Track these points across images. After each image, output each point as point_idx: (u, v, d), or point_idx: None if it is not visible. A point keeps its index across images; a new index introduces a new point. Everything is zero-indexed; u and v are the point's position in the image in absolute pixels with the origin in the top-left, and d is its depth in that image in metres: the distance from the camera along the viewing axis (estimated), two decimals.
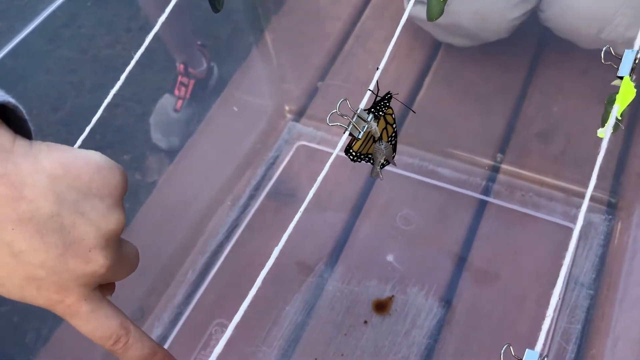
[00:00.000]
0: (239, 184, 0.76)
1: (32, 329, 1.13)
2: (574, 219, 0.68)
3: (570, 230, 0.68)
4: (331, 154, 0.79)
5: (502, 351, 0.33)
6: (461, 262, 0.67)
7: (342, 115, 0.42)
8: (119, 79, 0.42)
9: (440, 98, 0.80)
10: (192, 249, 0.72)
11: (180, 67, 1.04)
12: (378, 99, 0.44)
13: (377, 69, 0.43)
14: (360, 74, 0.84)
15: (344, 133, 0.42)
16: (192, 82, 0.98)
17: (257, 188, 0.75)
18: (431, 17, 0.46)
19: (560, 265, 0.71)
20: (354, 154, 0.45)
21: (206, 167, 0.78)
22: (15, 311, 1.23)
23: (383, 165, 0.45)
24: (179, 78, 1.00)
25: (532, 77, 0.81)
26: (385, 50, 0.91)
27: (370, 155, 0.46)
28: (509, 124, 0.77)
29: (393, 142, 0.46)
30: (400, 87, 0.81)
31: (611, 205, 0.69)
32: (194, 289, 0.69)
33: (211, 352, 0.67)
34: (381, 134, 0.45)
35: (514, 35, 0.78)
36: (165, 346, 0.65)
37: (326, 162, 0.86)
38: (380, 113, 0.43)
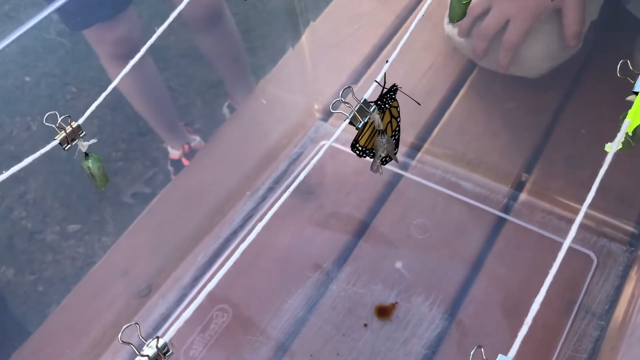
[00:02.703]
0: (261, 176, 0.77)
1: (55, 301, 1.16)
2: (594, 246, 0.66)
3: (589, 258, 0.65)
4: (353, 156, 0.79)
5: (472, 353, 0.32)
6: (471, 277, 0.66)
7: (346, 104, 0.42)
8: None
9: (472, 112, 0.79)
10: (207, 233, 0.73)
11: (185, 147, 1.17)
12: (384, 92, 0.44)
13: (387, 61, 0.43)
14: (394, 79, 0.83)
15: (344, 121, 0.42)
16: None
17: (277, 182, 0.76)
18: (452, 18, 0.46)
19: (575, 293, 0.69)
20: (360, 148, 0.45)
21: (232, 156, 0.79)
22: (40, 281, 1.27)
23: (384, 162, 0.45)
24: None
25: (568, 100, 0.79)
26: (423, 58, 0.90)
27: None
28: (538, 145, 0.75)
29: (396, 137, 0.46)
30: (433, 96, 0.81)
31: (635, 237, 0.66)
32: (201, 272, 0.70)
33: (209, 336, 0.67)
34: (386, 128, 0.45)
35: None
36: (166, 325, 0.66)
37: (350, 164, 0.86)
38: (386, 105, 0.43)
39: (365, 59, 0.86)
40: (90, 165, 0.47)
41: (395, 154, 0.48)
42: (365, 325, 0.63)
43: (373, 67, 0.85)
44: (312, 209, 0.73)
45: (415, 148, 0.76)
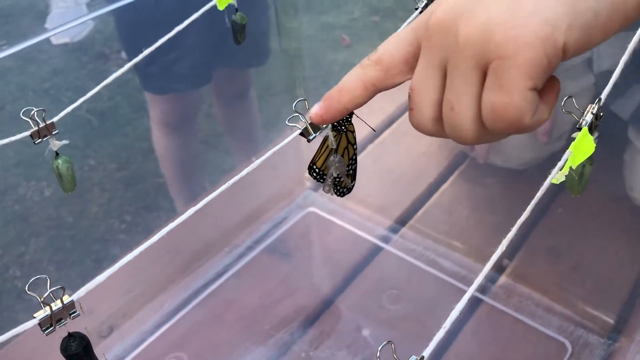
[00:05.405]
0: (241, 234, 0.77)
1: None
2: (570, 335, 0.63)
3: (564, 347, 0.62)
4: (341, 225, 0.79)
5: (380, 349, 0.30)
6: (439, 353, 0.63)
7: (299, 114, 0.43)
8: None
9: (460, 196, 0.80)
10: (177, 283, 0.72)
11: None
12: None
13: None
14: (388, 161, 0.85)
15: (295, 133, 0.43)
16: None
17: (257, 241, 0.76)
18: None
19: None
20: (317, 171, 0.45)
21: (215, 212, 0.79)
22: None
23: (342, 192, 0.44)
24: None
25: (560, 194, 0.79)
26: (417, 145, 0.91)
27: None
28: (524, 233, 0.75)
29: (353, 167, 0.46)
30: (422, 180, 0.81)
31: (615, 330, 0.63)
32: (165, 320, 0.68)
33: None
34: (343, 154, 0.46)
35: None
36: None
37: (333, 232, 0.85)
38: (342, 128, 0.44)
39: (361, 139, 0.89)
40: (60, 165, 0.48)
41: (352, 185, 0.47)
42: None
43: (370, 147, 0.87)
44: (287, 271, 0.72)
45: (400, 223, 0.76)
